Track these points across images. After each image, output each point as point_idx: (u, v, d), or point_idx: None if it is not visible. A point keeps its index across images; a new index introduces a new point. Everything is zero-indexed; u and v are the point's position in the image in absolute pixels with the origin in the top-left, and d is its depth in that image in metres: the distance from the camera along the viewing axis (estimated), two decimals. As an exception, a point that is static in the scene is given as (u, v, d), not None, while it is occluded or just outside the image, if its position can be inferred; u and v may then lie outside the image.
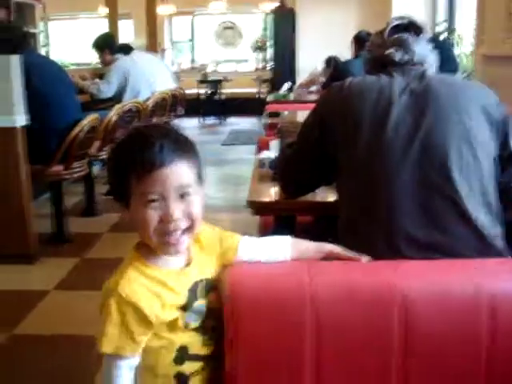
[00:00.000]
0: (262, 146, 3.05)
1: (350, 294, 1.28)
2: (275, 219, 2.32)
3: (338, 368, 1.32)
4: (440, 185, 1.59)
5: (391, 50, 1.78)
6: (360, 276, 1.32)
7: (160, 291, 1.31)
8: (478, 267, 1.44)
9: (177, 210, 1.27)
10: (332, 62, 6.79)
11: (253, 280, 1.36)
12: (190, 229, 1.31)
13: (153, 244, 1.31)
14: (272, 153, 2.44)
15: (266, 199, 2.09)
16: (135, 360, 1.34)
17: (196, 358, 1.39)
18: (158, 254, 1.35)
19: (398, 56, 1.77)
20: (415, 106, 1.66)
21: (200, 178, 1.34)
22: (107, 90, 6.35)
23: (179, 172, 1.27)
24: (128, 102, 5.82)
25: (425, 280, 1.35)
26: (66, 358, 2.80)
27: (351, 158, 1.68)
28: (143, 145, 1.26)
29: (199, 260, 1.42)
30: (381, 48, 1.82)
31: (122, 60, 6.54)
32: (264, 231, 2.76)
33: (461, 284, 1.35)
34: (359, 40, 5.80)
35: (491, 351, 1.33)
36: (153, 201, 1.26)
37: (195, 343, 1.38)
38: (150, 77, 6.69)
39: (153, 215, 1.26)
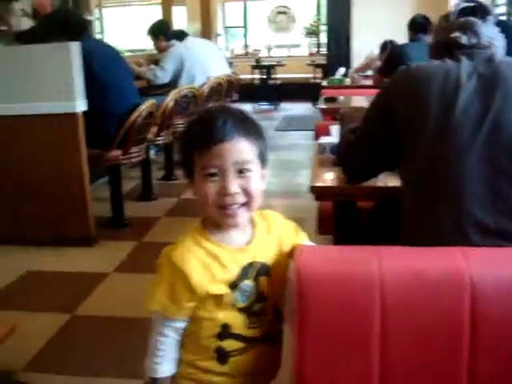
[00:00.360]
0: (320, 132, 3.04)
1: (419, 279, 1.27)
2: (335, 205, 2.31)
3: (404, 352, 1.31)
4: (510, 169, 1.57)
5: (457, 34, 1.75)
6: (429, 261, 1.31)
7: (211, 264, 1.34)
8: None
9: (234, 184, 1.30)
10: (388, 46, 6.71)
11: (322, 263, 1.35)
12: (247, 204, 1.33)
13: (212, 216, 1.35)
14: (333, 138, 2.43)
15: (328, 184, 2.08)
16: (180, 323, 1.39)
17: (238, 337, 1.41)
18: (220, 229, 1.38)
19: (464, 39, 1.74)
20: (484, 89, 1.63)
21: (263, 158, 1.38)
22: (163, 75, 6.41)
23: (239, 148, 1.30)
24: (184, 87, 5.87)
25: (495, 266, 1.33)
26: (124, 340, 2.85)
27: (417, 143, 1.66)
28: (207, 121, 1.32)
29: (262, 242, 1.43)
30: (447, 31, 1.79)
31: (177, 46, 6.59)
32: (323, 217, 2.76)
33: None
34: (414, 24, 5.72)
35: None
36: (212, 174, 1.30)
37: (239, 324, 1.40)
38: (205, 62, 6.71)
39: (212, 188, 1.30)
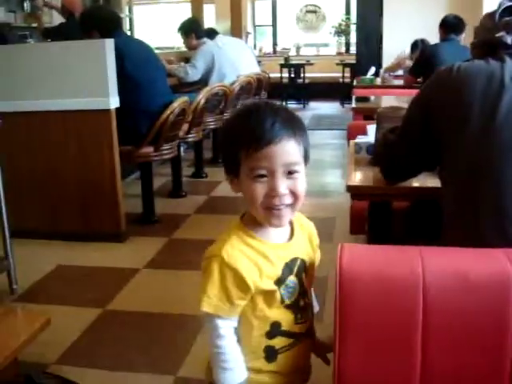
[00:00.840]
0: (353, 131, 3.03)
1: (464, 280, 1.26)
2: (370, 204, 2.30)
3: (446, 354, 1.30)
4: None
5: (502, 33, 1.73)
6: (472, 262, 1.30)
7: (258, 261, 1.34)
8: None
9: (283, 185, 1.29)
10: (419, 45, 6.67)
11: (364, 263, 1.35)
12: (293, 204, 1.34)
13: (259, 216, 1.34)
14: (369, 138, 2.42)
15: (364, 184, 2.07)
16: (233, 322, 1.38)
17: (287, 334, 1.41)
18: (262, 226, 1.38)
19: (510, 39, 1.72)
20: None
21: (307, 157, 1.36)
22: (194, 73, 6.43)
23: (288, 149, 1.29)
24: (215, 85, 5.88)
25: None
26: (155, 336, 2.87)
27: (459, 143, 1.65)
28: (255, 121, 1.29)
29: (299, 239, 1.45)
30: (491, 31, 1.77)
31: (208, 44, 6.61)
32: (356, 216, 2.76)
33: None
34: (446, 24, 5.67)
35: None
36: (261, 176, 1.29)
37: (288, 320, 1.40)
38: (236, 61, 6.73)
39: (260, 189, 1.29)
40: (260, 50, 14.33)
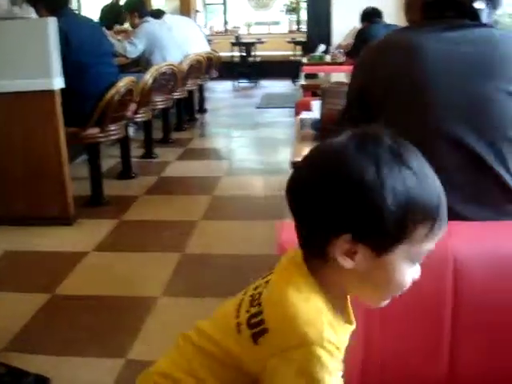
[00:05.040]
0: (301, 108, 3.02)
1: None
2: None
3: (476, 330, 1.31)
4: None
5: None
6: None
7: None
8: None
9: None
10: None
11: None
12: None
13: (375, 300, 1.05)
14: (313, 113, 2.41)
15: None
16: None
17: None
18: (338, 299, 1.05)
19: None
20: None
21: None
22: (132, 50, 6.36)
23: None
24: (163, 64, 5.81)
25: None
26: (105, 319, 2.84)
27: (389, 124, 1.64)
28: (437, 187, 0.97)
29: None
30: None
31: (150, 23, 6.55)
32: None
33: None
34: (368, 15, 6.03)
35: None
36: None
37: None
38: (183, 40, 6.68)
39: (411, 275, 0.99)
40: (211, 29, 14.21)
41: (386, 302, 1.03)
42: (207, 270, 3.35)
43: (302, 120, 2.39)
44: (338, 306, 1.03)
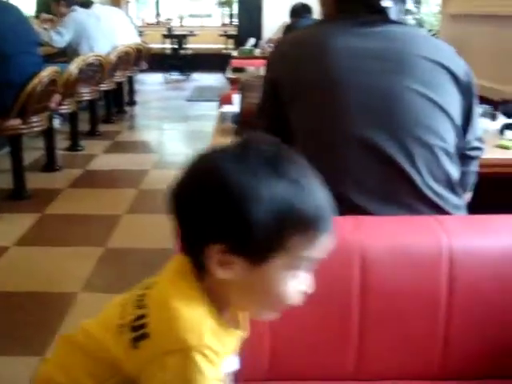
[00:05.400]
0: (225, 101, 3.00)
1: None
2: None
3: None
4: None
5: None
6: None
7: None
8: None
9: None
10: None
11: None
12: None
13: (255, 311, 1.04)
14: (234, 107, 2.40)
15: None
16: None
17: None
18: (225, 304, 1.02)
19: None
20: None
21: None
22: (58, 40, 6.22)
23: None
24: (90, 55, 5.70)
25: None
26: (24, 316, 2.77)
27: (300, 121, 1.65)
28: (313, 191, 0.95)
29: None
30: None
31: (78, 12, 6.44)
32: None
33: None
34: (295, 12, 6.09)
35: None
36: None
37: None
38: (112, 31, 6.58)
39: (295, 287, 0.97)
40: (142, 20, 14.04)
41: (271, 316, 1.01)
42: (129, 264, 3.31)
43: (222, 113, 2.38)
44: (226, 312, 1.01)
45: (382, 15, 1.62)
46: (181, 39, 12.18)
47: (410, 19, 5.10)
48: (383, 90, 1.57)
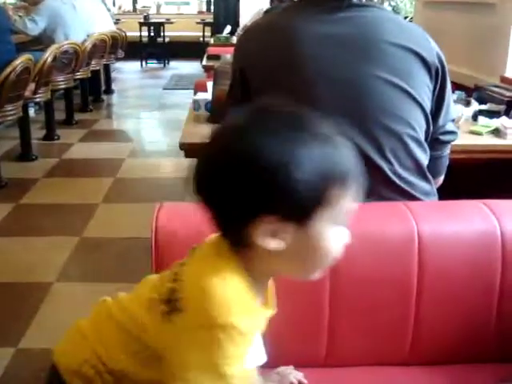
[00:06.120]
0: (199, 89, 2.99)
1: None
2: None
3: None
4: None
5: None
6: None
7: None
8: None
9: None
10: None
11: (181, 221, 1.32)
12: None
13: (306, 272, 1.02)
14: (207, 94, 2.39)
15: (199, 141, 2.02)
16: None
17: None
18: (256, 281, 1.02)
19: None
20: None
21: None
22: (33, 27, 6.15)
23: None
24: (65, 42, 5.64)
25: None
26: (1, 305, 2.75)
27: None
28: (343, 147, 0.98)
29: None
30: None
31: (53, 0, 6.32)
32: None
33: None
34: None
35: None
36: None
37: None
38: (87, 18, 6.51)
39: (340, 239, 1.00)
40: (119, 8, 13.90)
41: (317, 275, 1.01)
42: (104, 254, 3.29)
43: (195, 101, 2.36)
44: (260, 291, 1.01)
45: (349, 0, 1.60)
46: (158, 27, 12.07)
47: (386, 6, 5.09)
48: (349, 78, 1.56)
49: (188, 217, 1.33)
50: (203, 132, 2.00)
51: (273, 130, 0.92)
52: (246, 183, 0.90)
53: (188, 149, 1.99)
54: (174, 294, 0.97)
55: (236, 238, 0.96)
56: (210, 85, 2.40)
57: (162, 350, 0.98)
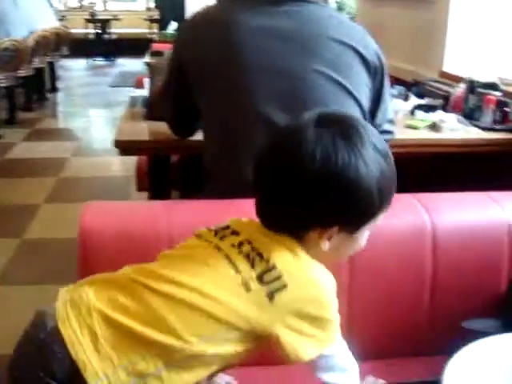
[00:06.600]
0: (139, 85, 2.95)
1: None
2: (148, 159, 2.24)
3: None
4: None
5: None
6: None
7: None
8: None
9: None
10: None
11: (107, 221, 1.30)
12: None
13: (332, 259, 1.09)
14: (144, 91, 2.35)
15: (136, 138, 1.99)
16: None
17: None
18: None
19: None
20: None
21: None
22: None
23: None
24: (4, 40, 5.52)
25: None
26: None
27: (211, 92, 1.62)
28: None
29: None
30: None
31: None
32: (142, 172, 2.69)
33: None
34: None
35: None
36: None
37: None
38: (29, 15, 6.37)
39: None
40: (65, 4, 13.69)
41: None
42: (47, 255, 3.23)
43: (132, 98, 2.33)
44: None
45: None
46: (104, 24, 11.92)
47: (332, 2, 5.11)
48: (288, 72, 1.56)
49: (115, 216, 1.31)
50: (140, 129, 1.98)
51: (350, 147, 0.97)
52: (333, 197, 0.98)
53: (123, 147, 1.95)
54: (269, 272, 0.98)
55: (295, 232, 1.02)
56: (146, 81, 2.36)
57: (262, 330, 0.99)
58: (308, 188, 0.98)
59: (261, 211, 1.05)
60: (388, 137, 1.78)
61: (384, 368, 1.37)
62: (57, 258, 3.18)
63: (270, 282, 0.98)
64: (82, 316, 0.97)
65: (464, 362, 1.09)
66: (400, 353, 1.41)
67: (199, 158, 1.75)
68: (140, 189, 2.75)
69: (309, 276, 1.00)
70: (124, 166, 4.69)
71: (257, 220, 1.06)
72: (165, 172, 2.19)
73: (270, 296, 0.97)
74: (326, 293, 1.01)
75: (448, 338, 1.19)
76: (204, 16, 1.71)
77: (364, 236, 1.07)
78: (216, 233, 1.07)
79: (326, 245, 1.02)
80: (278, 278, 0.98)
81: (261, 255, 1.00)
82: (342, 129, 0.99)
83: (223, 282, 0.99)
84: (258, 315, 0.98)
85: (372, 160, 0.98)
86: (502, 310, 1.39)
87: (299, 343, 0.99)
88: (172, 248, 1.10)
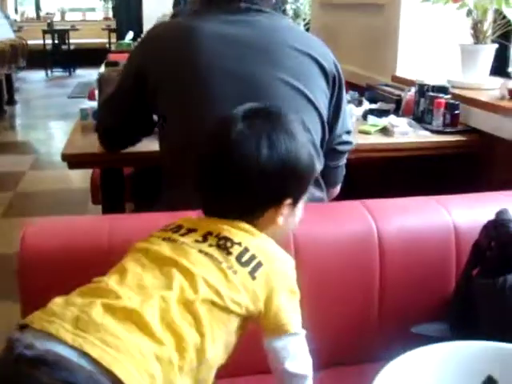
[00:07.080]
0: (92, 97, 2.91)
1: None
2: (101, 172, 2.21)
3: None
4: None
5: None
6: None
7: None
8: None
9: None
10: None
11: (48, 237, 1.27)
12: None
13: (279, 236, 1.19)
14: (95, 102, 2.32)
15: (81, 151, 1.96)
16: None
17: None
18: None
19: None
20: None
21: None
22: None
23: None
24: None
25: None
26: None
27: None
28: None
29: None
30: None
31: None
32: (96, 185, 2.66)
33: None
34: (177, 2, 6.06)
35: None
36: None
37: None
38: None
39: None
40: (22, 15, 13.55)
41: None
42: (2, 271, 3.17)
43: (82, 110, 2.30)
44: None
45: (252, 4, 1.61)
46: (62, 34, 11.81)
47: (288, 9, 5.08)
48: (250, 78, 1.56)
49: (57, 231, 1.29)
50: (89, 142, 1.94)
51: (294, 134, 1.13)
52: (289, 177, 1.11)
53: (70, 160, 1.93)
54: (244, 255, 1.06)
55: (252, 216, 1.11)
56: (97, 93, 2.34)
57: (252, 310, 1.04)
58: (256, 176, 1.08)
59: (215, 205, 1.13)
60: (347, 147, 1.80)
61: (337, 376, 1.37)
62: (10, 274, 3.12)
63: (248, 262, 1.05)
64: None
65: (395, 371, 1.08)
66: (353, 360, 1.41)
67: (153, 170, 1.74)
68: (95, 202, 2.72)
69: (276, 253, 1.10)
70: (83, 179, 4.62)
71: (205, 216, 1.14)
72: (118, 184, 2.17)
73: (253, 275, 1.04)
74: (292, 267, 1.11)
75: (400, 343, 1.19)
76: (166, 25, 1.76)
77: (301, 206, 1.18)
78: (175, 231, 1.10)
79: (281, 219, 1.13)
80: (253, 257, 1.06)
81: (231, 240, 1.07)
82: (270, 118, 1.13)
83: (213, 273, 1.03)
84: (252, 295, 1.04)
85: (301, 136, 1.14)
86: (449, 312, 1.40)
87: (288, 314, 1.06)
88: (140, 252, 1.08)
